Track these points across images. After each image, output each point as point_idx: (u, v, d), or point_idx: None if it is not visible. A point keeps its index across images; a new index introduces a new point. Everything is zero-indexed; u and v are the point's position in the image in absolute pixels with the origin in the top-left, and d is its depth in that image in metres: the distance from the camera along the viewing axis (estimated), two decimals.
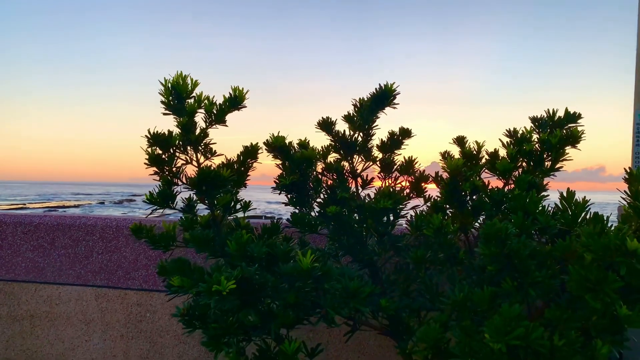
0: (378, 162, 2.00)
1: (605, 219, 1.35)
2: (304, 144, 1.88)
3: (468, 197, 1.65)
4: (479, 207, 1.65)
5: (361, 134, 1.96)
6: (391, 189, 1.74)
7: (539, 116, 1.87)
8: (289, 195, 1.75)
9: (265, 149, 1.75)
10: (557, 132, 1.68)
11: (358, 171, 2.02)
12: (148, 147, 1.70)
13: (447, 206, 1.69)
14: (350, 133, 1.96)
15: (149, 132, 1.69)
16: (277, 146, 1.69)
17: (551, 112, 1.85)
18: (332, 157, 2.02)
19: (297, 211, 1.84)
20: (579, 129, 1.67)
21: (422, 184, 1.95)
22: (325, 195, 1.75)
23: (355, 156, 2.01)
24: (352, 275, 1.55)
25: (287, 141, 1.87)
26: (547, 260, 1.40)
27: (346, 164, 2.01)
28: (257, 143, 1.79)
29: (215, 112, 1.78)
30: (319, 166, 1.98)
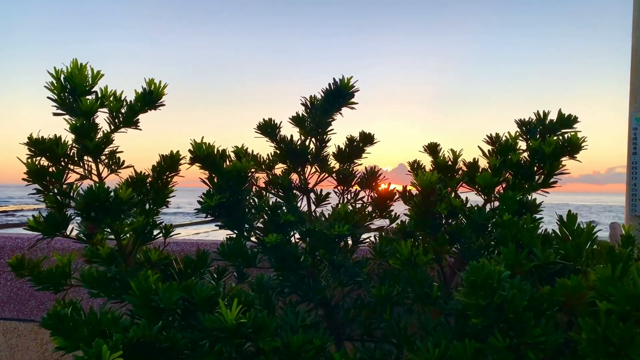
0: (334, 175, 1.65)
1: (624, 253, 1.03)
2: (240, 152, 1.50)
3: (444, 221, 1.31)
4: (457, 232, 1.32)
5: (313, 139, 1.61)
6: (348, 209, 1.39)
7: (526, 119, 1.56)
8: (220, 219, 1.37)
9: (190, 160, 1.36)
10: (552, 139, 1.37)
11: (311, 185, 1.66)
12: (29, 158, 1.29)
13: (418, 233, 1.35)
14: (301, 138, 1.61)
15: (30, 138, 1.29)
16: (201, 156, 1.31)
17: (541, 114, 1.53)
18: (281, 167, 1.66)
19: (233, 236, 1.46)
20: (579, 135, 1.35)
21: (388, 202, 1.60)
22: (266, 218, 1.38)
23: (308, 167, 1.66)
24: (296, 325, 1.19)
25: (220, 148, 1.49)
26: (546, 306, 1.08)
27: (297, 176, 1.65)
28: (178, 152, 1.41)
29: (123, 111, 1.39)
30: (262, 180, 1.61)
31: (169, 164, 1.40)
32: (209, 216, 1.31)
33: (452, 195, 1.59)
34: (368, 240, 1.53)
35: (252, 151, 1.67)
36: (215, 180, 1.30)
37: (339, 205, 1.66)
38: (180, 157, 1.41)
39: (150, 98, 1.40)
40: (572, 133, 1.36)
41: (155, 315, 1.11)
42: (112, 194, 1.14)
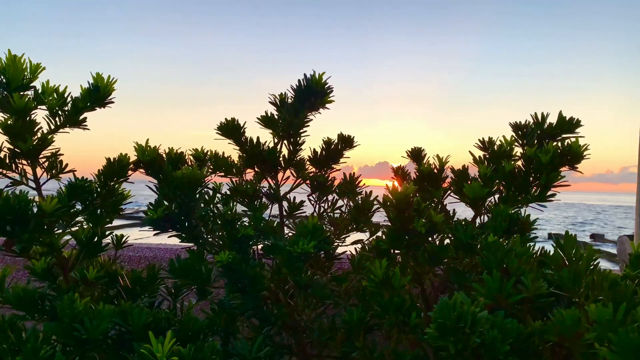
0: (308, 181, 1.49)
1: (629, 288, 0.86)
2: (200, 155, 1.35)
3: (423, 238, 1.14)
4: (439, 252, 1.15)
5: (285, 142, 1.45)
6: (317, 222, 1.23)
7: (522, 122, 1.38)
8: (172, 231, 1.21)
9: (141, 166, 1.20)
10: (550, 146, 1.19)
11: (285, 191, 1.51)
12: None
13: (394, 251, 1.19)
14: (274, 140, 1.45)
15: None
16: (146, 161, 1.15)
17: (539, 117, 1.36)
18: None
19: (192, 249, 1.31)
20: (581, 141, 1.17)
21: (367, 212, 1.44)
22: (224, 232, 1.22)
23: (282, 172, 1.50)
24: (250, 357, 1.04)
25: (179, 150, 1.34)
26: (535, 344, 0.91)
27: (270, 181, 1.49)
28: (126, 155, 1.25)
29: (67, 109, 1.24)
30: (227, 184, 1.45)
31: (117, 168, 1.25)
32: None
33: (438, 207, 1.43)
34: (346, 253, 1.37)
35: (224, 153, 1.52)
36: (162, 188, 1.14)
37: (313, 215, 1.51)
38: (129, 160, 1.26)
39: (98, 95, 1.25)
40: (573, 139, 1.19)
41: (80, 345, 0.96)
42: (32, 205, 0.99)
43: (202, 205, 1.20)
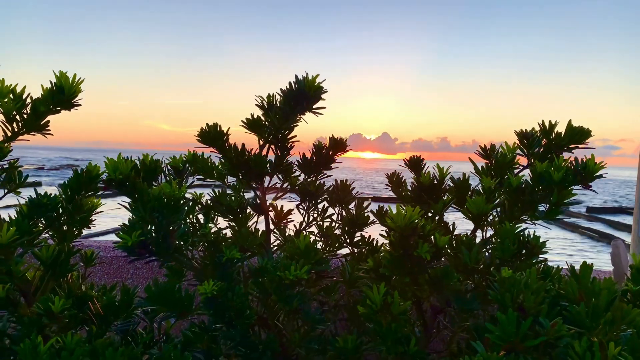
0: (297, 188, 1.38)
1: None
2: (177, 164, 1.21)
3: (426, 263, 1.05)
4: (444, 277, 1.06)
5: (272, 147, 1.32)
6: (309, 241, 1.12)
7: (527, 130, 1.29)
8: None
9: (104, 182, 1.06)
10: (561, 162, 1.10)
11: (272, 200, 1.39)
12: None
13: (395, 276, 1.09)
14: (260, 144, 1.32)
15: None
16: (118, 181, 1.01)
17: (547, 125, 1.27)
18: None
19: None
20: (596, 159, 1.09)
21: (361, 225, 1.34)
22: (206, 253, 1.10)
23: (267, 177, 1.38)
24: None
25: (153, 157, 1.20)
26: None
27: (255, 191, 1.37)
28: (97, 167, 1.11)
29: (26, 113, 1.08)
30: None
31: (85, 180, 1.11)
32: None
33: (436, 218, 1.34)
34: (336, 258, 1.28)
35: (210, 159, 1.39)
36: (137, 209, 1.01)
37: (301, 228, 1.40)
38: (99, 172, 1.11)
39: (62, 97, 1.09)
40: (587, 157, 1.10)
41: None
42: None
43: (182, 224, 1.07)
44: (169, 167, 1.25)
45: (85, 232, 1.26)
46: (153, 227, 1.02)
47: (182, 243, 1.11)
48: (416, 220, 0.98)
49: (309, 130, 1.38)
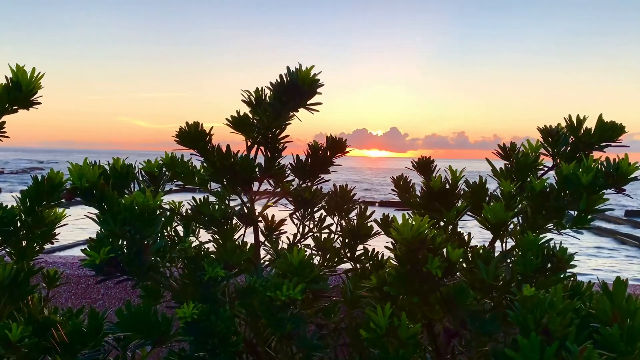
0: (290, 196, 1.38)
1: None
2: (153, 169, 1.21)
3: (437, 280, 1.05)
4: (458, 296, 1.06)
5: (262, 148, 1.32)
6: (304, 255, 1.12)
7: (552, 127, 1.29)
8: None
9: (67, 193, 1.06)
10: (590, 163, 1.10)
11: (260, 209, 1.39)
12: None
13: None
14: (247, 144, 1.32)
15: None
16: (84, 190, 1.00)
17: (575, 120, 1.27)
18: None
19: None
20: (631, 158, 1.09)
21: (364, 236, 1.34)
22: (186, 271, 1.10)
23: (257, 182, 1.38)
24: None
25: (126, 161, 1.20)
26: None
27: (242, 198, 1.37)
28: (60, 174, 1.11)
29: None
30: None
31: (46, 189, 1.10)
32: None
33: (449, 228, 1.34)
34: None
35: (190, 162, 1.39)
36: (106, 222, 1.00)
37: (295, 241, 1.40)
38: (63, 180, 1.11)
39: (19, 94, 1.09)
40: (621, 157, 1.10)
41: None
42: None
43: (158, 237, 1.07)
44: (143, 173, 1.25)
45: (48, 246, 1.26)
46: (124, 242, 1.02)
47: (158, 259, 1.10)
48: (425, 231, 0.98)
49: (304, 127, 1.38)
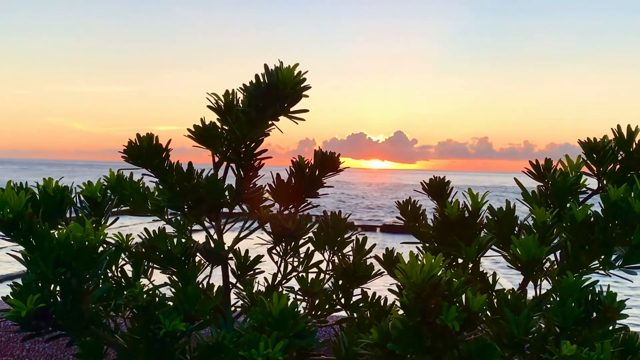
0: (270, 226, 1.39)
1: None
2: (96, 194, 1.22)
3: (455, 335, 1.06)
4: (480, 354, 1.08)
5: (232, 166, 1.34)
6: (286, 304, 1.13)
7: (597, 140, 1.32)
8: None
9: None
10: None
11: (232, 243, 1.40)
12: None
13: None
14: (214, 160, 1.34)
15: None
16: (7, 222, 1.00)
17: (625, 132, 1.30)
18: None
19: None
20: None
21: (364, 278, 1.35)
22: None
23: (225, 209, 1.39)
24: None
25: (55, 185, 1.21)
26: None
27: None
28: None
29: None
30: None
31: None
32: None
33: (469, 267, 1.35)
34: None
35: (144, 184, 1.40)
36: (35, 262, 1.00)
37: (274, 283, 1.41)
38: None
39: None
40: None
41: None
42: None
43: (100, 281, 1.08)
44: (82, 198, 1.25)
45: None
46: (58, 288, 1.02)
47: (100, 308, 1.11)
48: (439, 273, 0.99)
49: (286, 131, 1.39)
